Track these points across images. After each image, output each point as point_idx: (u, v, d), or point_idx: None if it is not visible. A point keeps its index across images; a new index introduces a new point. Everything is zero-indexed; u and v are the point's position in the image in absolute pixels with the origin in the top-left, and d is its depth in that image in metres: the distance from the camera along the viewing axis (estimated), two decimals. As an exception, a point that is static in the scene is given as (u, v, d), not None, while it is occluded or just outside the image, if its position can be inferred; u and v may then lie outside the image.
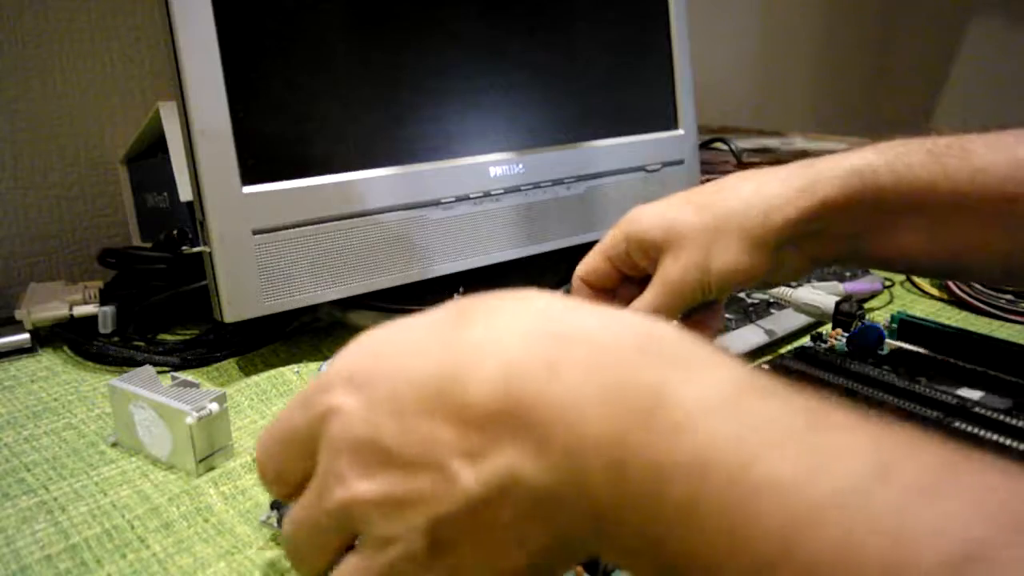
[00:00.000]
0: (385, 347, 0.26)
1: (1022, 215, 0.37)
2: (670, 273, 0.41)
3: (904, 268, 0.46)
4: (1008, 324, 0.59)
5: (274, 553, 0.35)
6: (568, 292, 0.45)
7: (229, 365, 0.55)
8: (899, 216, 0.39)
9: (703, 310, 0.43)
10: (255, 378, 0.52)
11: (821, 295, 0.55)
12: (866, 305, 0.63)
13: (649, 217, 0.42)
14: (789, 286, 0.59)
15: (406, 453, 0.22)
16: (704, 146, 0.79)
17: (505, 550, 0.22)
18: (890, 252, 0.41)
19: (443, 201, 0.57)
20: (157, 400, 0.41)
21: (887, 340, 0.49)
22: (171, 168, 0.58)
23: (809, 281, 0.62)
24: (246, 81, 0.49)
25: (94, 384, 0.52)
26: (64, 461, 0.43)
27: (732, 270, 0.40)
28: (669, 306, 0.41)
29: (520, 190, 0.61)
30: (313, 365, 0.54)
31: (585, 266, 0.45)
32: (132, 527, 0.37)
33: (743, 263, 0.40)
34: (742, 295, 0.59)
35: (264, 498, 0.39)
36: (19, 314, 0.58)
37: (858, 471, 0.18)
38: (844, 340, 0.49)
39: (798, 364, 0.45)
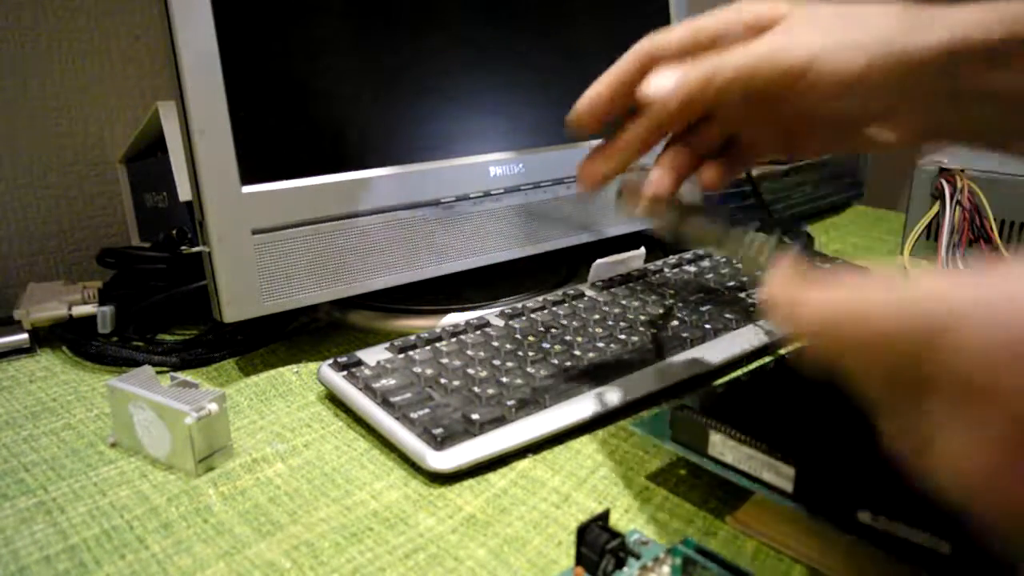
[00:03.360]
0: None
1: None
2: (778, 37, 0.34)
3: None
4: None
5: (274, 554, 0.35)
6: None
7: (228, 365, 0.55)
8: None
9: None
10: (254, 378, 0.52)
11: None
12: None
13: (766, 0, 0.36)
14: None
15: None
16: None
17: None
18: None
19: (443, 201, 0.57)
20: (156, 400, 0.41)
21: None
22: (170, 168, 0.58)
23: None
24: (246, 81, 0.49)
25: (93, 384, 0.52)
26: (63, 461, 0.43)
27: (851, 62, 0.33)
28: (751, 72, 0.34)
29: (520, 190, 0.61)
30: (313, 365, 0.54)
31: (659, 36, 0.39)
32: (131, 527, 0.37)
33: (867, 60, 0.32)
34: (742, 295, 0.59)
35: (264, 499, 0.39)
36: (18, 314, 0.58)
37: None
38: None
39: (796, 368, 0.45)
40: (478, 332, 0.52)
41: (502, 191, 0.60)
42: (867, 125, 0.37)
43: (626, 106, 0.40)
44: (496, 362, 0.48)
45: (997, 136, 0.38)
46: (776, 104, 0.37)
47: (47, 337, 0.59)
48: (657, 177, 0.41)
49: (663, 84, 0.37)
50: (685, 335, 0.51)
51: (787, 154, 0.42)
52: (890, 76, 0.34)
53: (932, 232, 0.73)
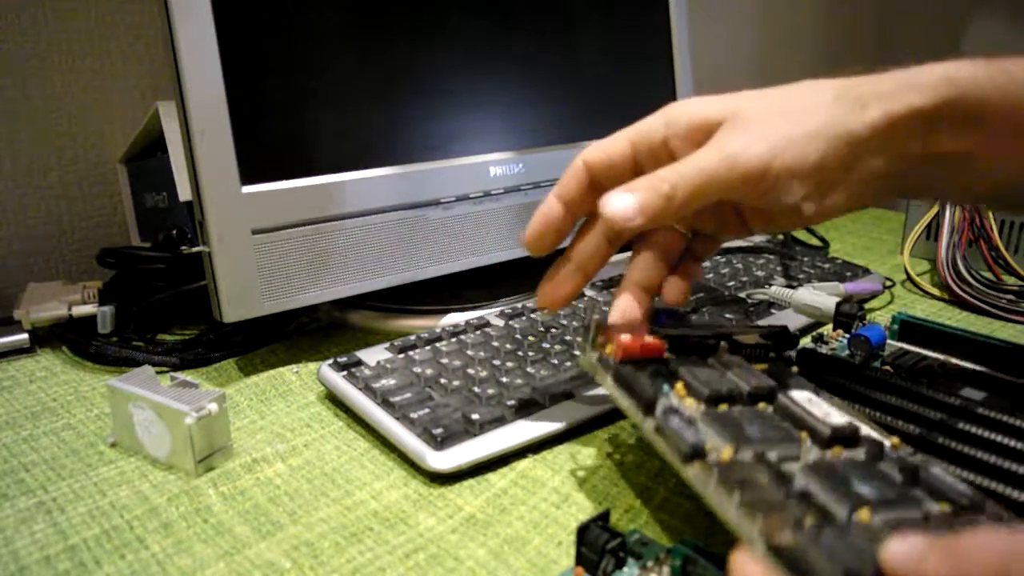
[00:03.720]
0: None
1: None
2: (728, 143, 0.35)
3: (998, 201, 0.40)
4: (1009, 324, 0.59)
5: (274, 554, 0.35)
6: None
7: (228, 365, 0.55)
8: (1005, 138, 0.34)
9: (691, 256, 0.40)
10: (254, 378, 0.52)
11: (821, 296, 0.55)
12: (867, 306, 0.63)
13: (702, 101, 0.37)
14: (790, 287, 0.58)
15: None
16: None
17: None
18: (996, 177, 0.36)
19: (443, 201, 0.57)
20: (156, 400, 0.41)
21: (888, 341, 0.49)
22: (170, 168, 0.58)
23: (810, 281, 0.62)
24: (246, 81, 0.49)
25: (93, 384, 0.52)
26: (63, 461, 0.43)
27: (805, 156, 0.34)
28: (711, 178, 0.35)
29: (520, 190, 0.61)
30: (313, 365, 0.54)
31: (597, 151, 0.39)
32: (131, 528, 0.37)
33: (820, 150, 0.34)
34: (743, 295, 0.59)
35: (264, 499, 0.39)
36: (18, 314, 0.58)
37: None
38: (845, 341, 0.49)
39: (799, 366, 0.45)
40: (478, 332, 0.52)
41: (502, 191, 0.60)
42: (821, 199, 0.37)
43: (576, 220, 0.41)
44: (496, 362, 0.48)
45: (954, 191, 0.39)
46: (732, 202, 0.38)
47: (47, 337, 0.59)
48: (625, 306, 0.40)
49: (621, 205, 0.36)
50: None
51: (743, 235, 0.42)
52: (841, 158, 0.35)
53: (932, 232, 0.73)
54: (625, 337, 0.36)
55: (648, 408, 0.32)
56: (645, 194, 0.35)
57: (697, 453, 0.29)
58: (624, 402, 0.33)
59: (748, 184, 0.35)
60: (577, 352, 0.49)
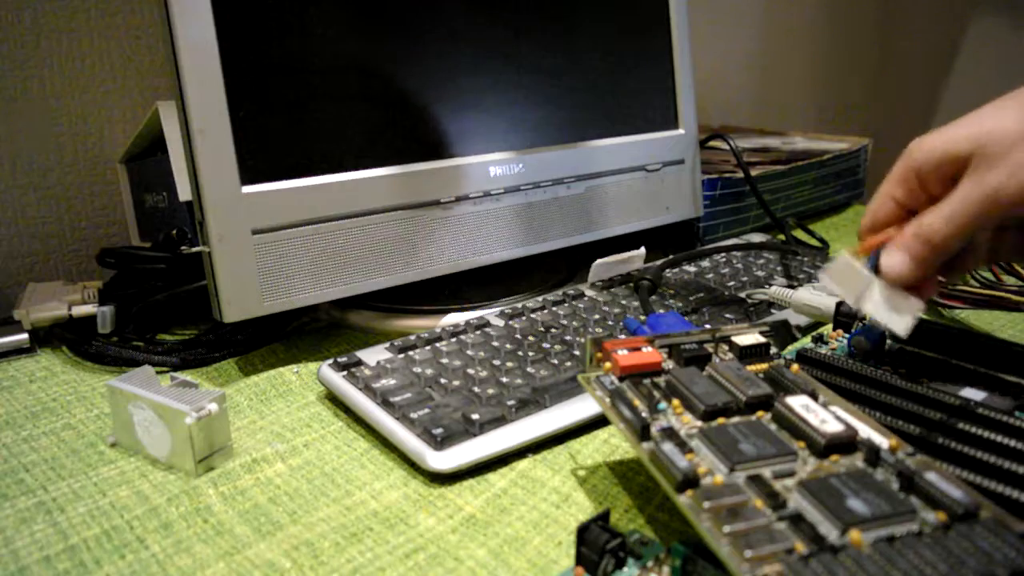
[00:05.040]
0: None
1: None
2: (991, 180, 0.35)
3: None
4: (1010, 324, 0.59)
5: (274, 554, 0.35)
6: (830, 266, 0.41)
7: (228, 365, 0.55)
8: None
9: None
10: (254, 378, 0.52)
11: (821, 296, 0.55)
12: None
13: (944, 136, 0.37)
14: (790, 287, 0.58)
15: None
16: (703, 144, 0.79)
17: None
18: None
19: (443, 201, 0.57)
20: (156, 400, 0.41)
21: (888, 341, 0.49)
22: (170, 168, 0.58)
23: (810, 281, 0.62)
24: (246, 81, 0.49)
25: (93, 384, 0.52)
26: (63, 461, 0.43)
27: None
28: (980, 216, 0.35)
29: (520, 190, 0.61)
30: (313, 365, 0.54)
31: (871, 215, 0.40)
32: (131, 527, 0.37)
33: None
34: (743, 295, 0.59)
35: (264, 499, 0.39)
36: (18, 314, 0.58)
37: None
38: (845, 341, 0.49)
39: (799, 366, 0.45)
40: (478, 332, 0.52)
41: (502, 191, 0.60)
42: None
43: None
44: (496, 362, 0.48)
45: None
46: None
47: (47, 337, 0.59)
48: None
49: (894, 264, 0.38)
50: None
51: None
52: None
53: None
54: (622, 353, 0.37)
55: (643, 434, 0.32)
56: (913, 248, 0.37)
57: (689, 482, 0.29)
58: (620, 425, 0.34)
59: (1008, 214, 0.36)
60: (577, 352, 0.49)
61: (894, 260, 0.38)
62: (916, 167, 0.38)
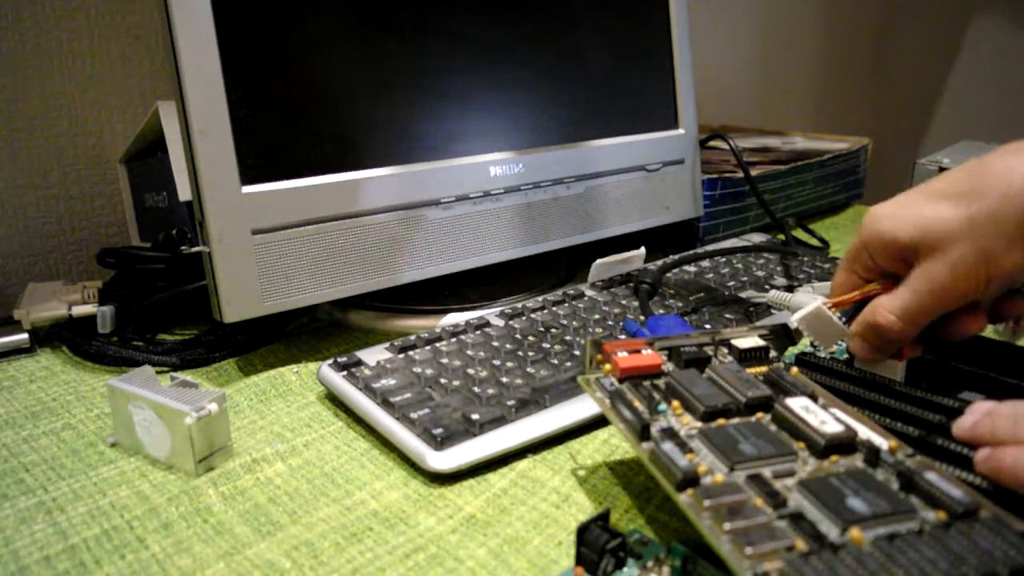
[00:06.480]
0: None
1: None
2: (936, 276, 0.36)
3: None
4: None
5: (274, 554, 0.35)
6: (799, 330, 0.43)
7: (228, 365, 0.55)
8: None
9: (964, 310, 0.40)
10: (254, 378, 0.52)
11: (820, 299, 0.55)
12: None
13: (892, 220, 0.38)
14: (790, 287, 0.58)
15: None
16: (702, 144, 0.79)
17: None
18: None
19: (443, 201, 0.57)
20: (156, 400, 0.41)
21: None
22: (170, 168, 0.58)
23: (810, 281, 0.62)
24: (246, 81, 0.49)
25: (93, 384, 0.52)
26: (63, 461, 0.43)
27: (1015, 259, 0.35)
28: (931, 309, 0.37)
29: (520, 190, 0.61)
30: (313, 365, 0.54)
31: (836, 288, 0.42)
32: (131, 527, 0.37)
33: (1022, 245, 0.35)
34: (743, 295, 0.59)
35: (264, 499, 0.39)
36: (18, 314, 0.58)
37: None
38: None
39: (798, 369, 0.45)
40: (478, 332, 0.52)
41: (502, 191, 0.60)
42: None
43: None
44: (496, 362, 0.48)
45: None
46: None
47: (47, 337, 0.59)
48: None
49: (855, 348, 0.42)
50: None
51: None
52: None
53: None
54: (622, 355, 0.37)
55: (643, 434, 0.32)
56: (871, 339, 0.40)
57: (689, 481, 0.29)
58: (620, 426, 0.34)
59: (960, 303, 0.37)
60: (577, 352, 0.49)
61: (856, 346, 0.41)
62: (867, 249, 0.40)
